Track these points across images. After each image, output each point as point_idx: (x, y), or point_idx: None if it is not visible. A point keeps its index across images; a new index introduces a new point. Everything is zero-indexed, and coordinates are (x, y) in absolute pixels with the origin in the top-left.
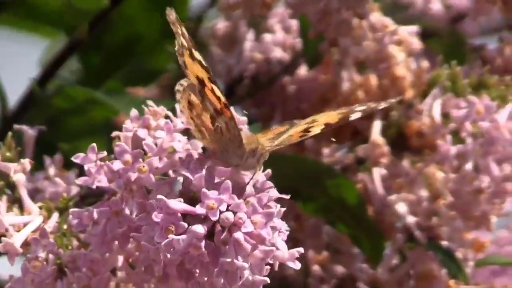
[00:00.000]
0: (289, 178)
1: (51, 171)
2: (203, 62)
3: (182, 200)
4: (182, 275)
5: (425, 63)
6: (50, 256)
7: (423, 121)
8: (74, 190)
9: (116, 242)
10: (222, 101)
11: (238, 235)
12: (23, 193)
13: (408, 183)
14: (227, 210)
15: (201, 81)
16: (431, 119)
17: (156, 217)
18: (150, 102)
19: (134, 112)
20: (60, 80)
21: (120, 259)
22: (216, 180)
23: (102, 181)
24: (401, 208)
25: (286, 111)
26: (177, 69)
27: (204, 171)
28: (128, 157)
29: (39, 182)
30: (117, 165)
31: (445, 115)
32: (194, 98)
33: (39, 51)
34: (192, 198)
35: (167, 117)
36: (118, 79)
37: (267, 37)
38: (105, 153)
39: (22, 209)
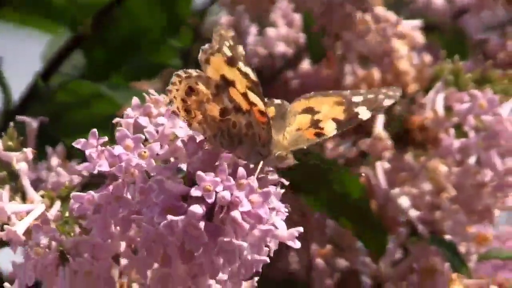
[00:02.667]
0: (293, 172)
1: (54, 161)
2: (251, 75)
3: (182, 182)
4: (183, 256)
5: (427, 58)
6: (53, 243)
7: (426, 115)
8: (77, 180)
9: (118, 228)
10: (258, 108)
11: (235, 213)
12: (26, 182)
13: (411, 177)
14: (224, 190)
15: (228, 81)
16: (434, 113)
17: (156, 198)
18: (151, 91)
19: (135, 100)
20: (63, 75)
21: (123, 245)
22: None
23: (103, 166)
24: (404, 202)
25: None
26: (180, 64)
27: (200, 153)
28: (129, 142)
29: (41, 172)
30: (118, 149)
31: (448, 109)
32: (202, 87)
33: (41, 45)
34: (194, 181)
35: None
36: (122, 74)
37: (270, 31)
38: (106, 138)
39: (24, 198)
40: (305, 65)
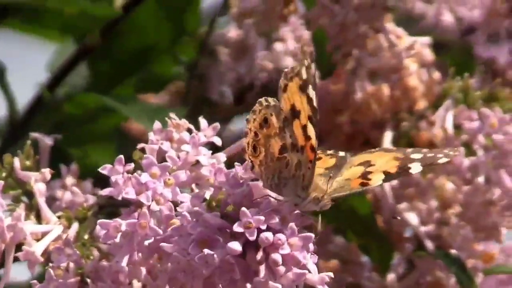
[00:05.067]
0: None
1: (68, 180)
2: (314, 101)
3: (219, 215)
4: None
5: (436, 75)
6: (71, 265)
7: (434, 132)
8: (91, 199)
9: (140, 254)
10: (311, 143)
11: (276, 256)
12: (42, 202)
13: (419, 193)
14: (267, 230)
15: (295, 112)
16: (444, 130)
17: (192, 229)
18: (172, 115)
19: (157, 124)
20: (69, 86)
21: (143, 271)
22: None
23: (129, 193)
24: (412, 217)
25: None
26: (187, 77)
27: (245, 188)
28: (155, 169)
29: (55, 190)
30: (145, 177)
31: (456, 127)
32: (274, 120)
33: (45, 55)
34: (226, 213)
35: (189, 130)
36: (128, 86)
37: (278, 46)
38: (132, 165)
39: (39, 217)
40: None
